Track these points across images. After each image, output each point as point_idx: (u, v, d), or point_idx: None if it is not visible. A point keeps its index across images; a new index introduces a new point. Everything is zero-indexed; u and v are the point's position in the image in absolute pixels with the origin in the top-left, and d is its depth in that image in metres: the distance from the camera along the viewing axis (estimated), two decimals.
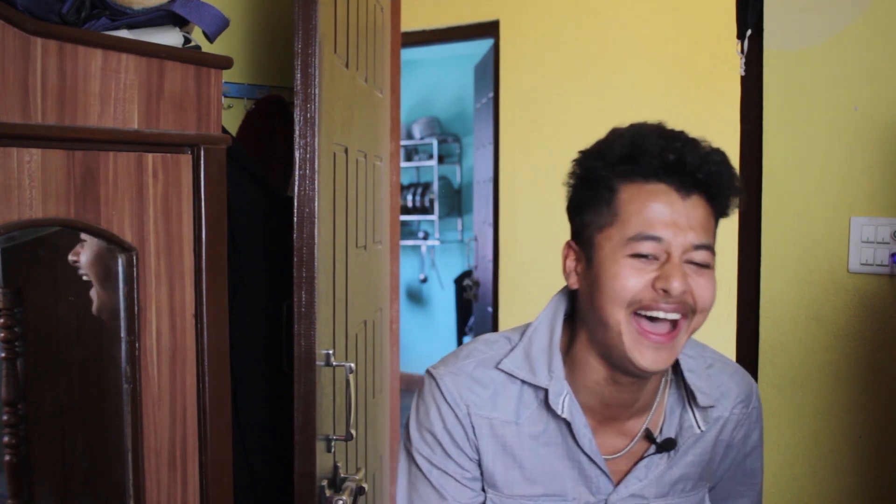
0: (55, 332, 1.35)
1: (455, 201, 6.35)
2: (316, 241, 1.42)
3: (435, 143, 6.21)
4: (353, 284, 1.76)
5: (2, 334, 1.24)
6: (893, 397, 1.57)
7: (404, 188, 6.30)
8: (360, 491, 1.58)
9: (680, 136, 1.01)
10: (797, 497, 1.66)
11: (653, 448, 1.10)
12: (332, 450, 1.57)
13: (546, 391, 1.06)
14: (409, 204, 6.29)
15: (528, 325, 1.12)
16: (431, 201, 6.24)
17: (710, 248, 0.99)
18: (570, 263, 1.06)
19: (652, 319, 0.98)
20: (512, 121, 4.31)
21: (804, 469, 1.65)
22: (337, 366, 1.57)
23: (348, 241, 1.74)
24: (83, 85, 1.07)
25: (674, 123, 2.70)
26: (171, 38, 1.26)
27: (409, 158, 6.39)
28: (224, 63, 1.26)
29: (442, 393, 1.09)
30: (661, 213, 0.97)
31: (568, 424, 1.07)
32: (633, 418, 1.11)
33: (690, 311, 0.99)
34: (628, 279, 0.97)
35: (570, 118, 3.97)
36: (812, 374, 1.64)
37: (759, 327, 1.68)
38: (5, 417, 1.26)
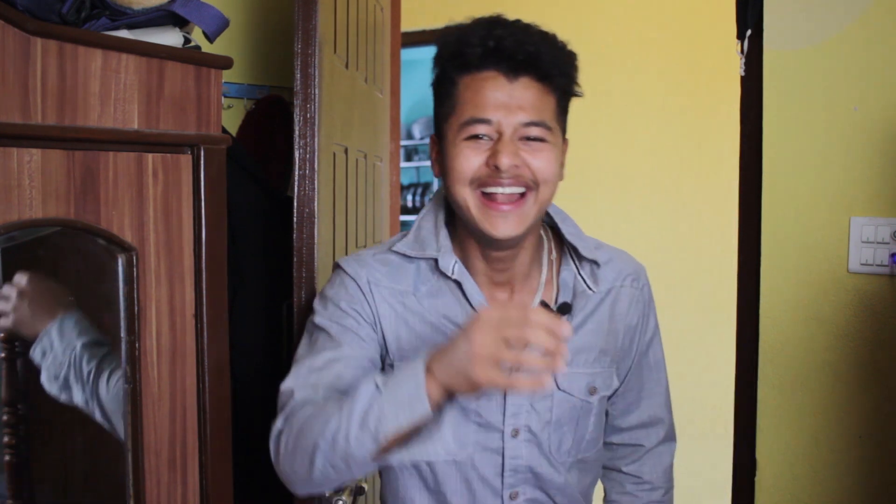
0: None
1: None
2: (316, 241, 1.42)
3: None
4: None
5: (2, 334, 1.24)
6: (893, 397, 1.57)
7: (404, 188, 6.29)
8: (359, 491, 1.58)
9: (501, 23, 1.07)
10: (797, 497, 1.66)
11: None
12: None
13: (436, 260, 1.14)
14: (409, 204, 6.29)
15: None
16: None
17: (542, 125, 1.06)
18: (434, 155, 1.17)
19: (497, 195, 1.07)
20: None
21: (804, 469, 1.65)
22: None
23: (348, 241, 1.74)
24: (83, 85, 1.07)
25: (674, 123, 2.71)
26: (171, 38, 1.26)
27: (409, 158, 6.39)
28: (224, 63, 1.26)
29: (345, 270, 1.17)
30: (490, 97, 1.05)
31: (461, 290, 1.14)
32: (524, 293, 1.18)
33: (533, 183, 1.07)
34: (466, 160, 1.06)
35: (569, 118, 3.96)
36: (812, 374, 1.63)
37: (759, 327, 1.68)
38: (5, 417, 1.26)
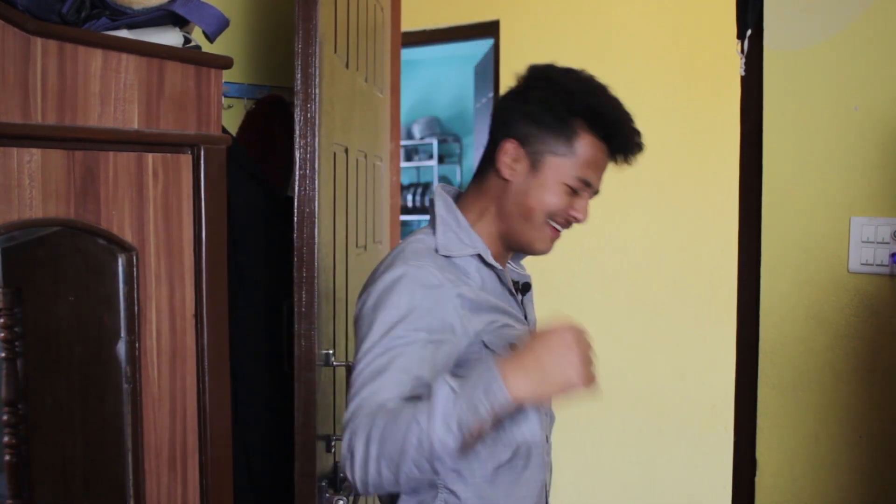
0: (55, 332, 1.35)
1: None
2: (316, 241, 1.42)
3: (435, 143, 6.21)
4: (353, 284, 1.76)
5: (2, 334, 1.24)
6: (893, 397, 1.57)
7: (404, 188, 6.29)
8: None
9: (637, 130, 1.32)
10: (797, 497, 1.66)
11: (520, 295, 1.45)
12: (332, 450, 1.58)
13: (479, 255, 1.32)
14: (409, 204, 6.29)
15: (431, 226, 1.35)
16: (432, 201, 6.24)
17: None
18: (509, 160, 1.31)
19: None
20: None
21: (804, 469, 1.65)
22: (337, 366, 1.57)
23: (348, 241, 1.74)
24: (83, 85, 1.07)
25: (674, 123, 2.72)
26: (171, 38, 1.26)
27: (409, 158, 6.39)
28: (224, 63, 1.26)
29: (421, 275, 1.23)
30: (598, 166, 1.31)
31: (499, 277, 1.35)
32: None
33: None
34: (558, 200, 1.30)
35: None
36: (812, 374, 1.63)
37: (759, 327, 1.68)
38: (5, 417, 1.26)
